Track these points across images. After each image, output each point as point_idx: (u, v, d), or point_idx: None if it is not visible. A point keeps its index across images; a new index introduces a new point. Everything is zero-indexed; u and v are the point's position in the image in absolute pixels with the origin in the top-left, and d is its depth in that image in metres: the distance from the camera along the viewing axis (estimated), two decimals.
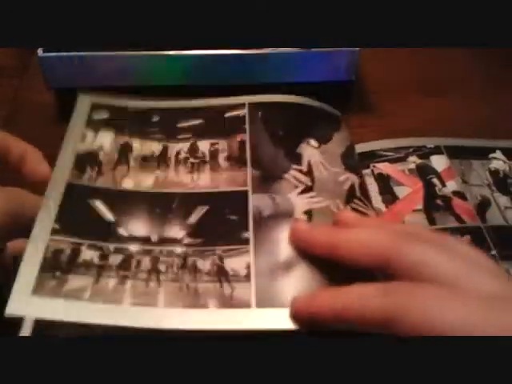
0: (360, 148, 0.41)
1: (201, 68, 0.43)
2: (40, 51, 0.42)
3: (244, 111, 0.37)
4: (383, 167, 0.40)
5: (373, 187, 0.39)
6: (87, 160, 0.34)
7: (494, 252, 0.34)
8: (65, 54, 0.42)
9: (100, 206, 0.32)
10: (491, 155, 0.41)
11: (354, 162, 0.37)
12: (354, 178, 0.35)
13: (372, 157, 0.41)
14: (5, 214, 0.28)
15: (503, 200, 0.37)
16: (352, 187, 0.34)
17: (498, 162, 0.40)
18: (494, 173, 0.39)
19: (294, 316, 0.26)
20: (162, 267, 0.29)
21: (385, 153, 0.41)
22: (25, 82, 0.50)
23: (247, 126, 0.36)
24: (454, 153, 0.40)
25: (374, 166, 0.40)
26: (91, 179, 0.33)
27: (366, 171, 0.40)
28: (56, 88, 0.46)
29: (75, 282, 0.27)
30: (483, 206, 0.37)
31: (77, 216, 0.31)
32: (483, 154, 0.41)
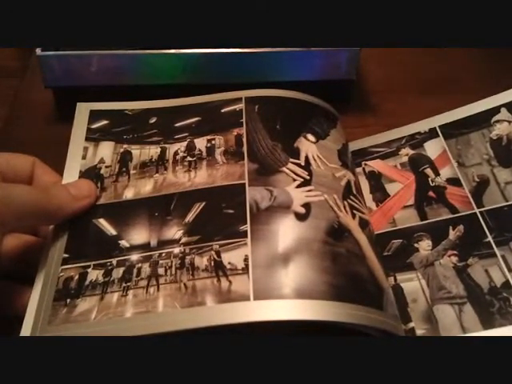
0: (352, 146, 0.41)
1: (201, 67, 0.43)
2: (38, 50, 0.42)
3: (241, 106, 0.37)
4: (374, 165, 0.39)
5: (364, 186, 0.38)
6: (90, 178, 0.34)
7: (488, 239, 0.32)
8: (64, 52, 0.43)
9: (103, 223, 0.32)
10: (494, 118, 0.37)
11: (349, 160, 0.37)
12: (350, 175, 0.36)
13: (363, 154, 0.40)
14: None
15: (504, 174, 0.35)
16: (348, 184, 0.35)
17: (502, 126, 0.37)
18: (496, 141, 0.36)
19: None
20: (160, 271, 0.30)
21: (376, 149, 0.40)
22: (24, 81, 0.50)
23: (244, 120, 0.36)
24: (450, 131, 0.38)
25: (365, 164, 0.40)
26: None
27: (358, 170, 0.40)
28: (54, 86, 0.46)
29: (83, 305, 0.29)
30: (480, 189, 0.35)
31: (83, 240, 0.31)
32: (485, 120, 0.38)
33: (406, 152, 0.39)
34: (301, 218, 0.31)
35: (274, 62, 0.43)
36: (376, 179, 0.39)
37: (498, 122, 0.37)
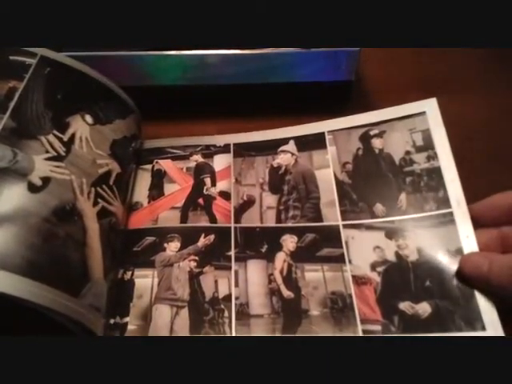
0: (152, 144, 0.41)
1: (201, 68, 0.42)
2: None
3: (32, 61, 0.35)
4: (164, 164, 0.40)
5: (145, 182, 0.39)
6: None
7: (230, 253, 0.34)
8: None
9: None
10: (281, 148, 0.39)
11: (123, 154, 0.37)
12: (114, 167, 0.35)
13: (158, 153, 0.40)
14: None
15: (269, 199, 0.37)
16: (107, 173, 0.34)
17: (285, 156, 0.39)
18: (274, 169, 0.38)
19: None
20: None
21: (172, 150, 0.41)
22: None
23: (27, 76, 0.34)
24: (241, 150, 0.40)
25: (156, 162, 0.40)
26: None
27: (147, 166, 0.40)
28: None
29: None
30: (244, 207, 0.37)
31: None
32: (273, 147, 0.40)
33: (196, 158, 0.40)
34: (33, 189, 0.29)
35: (273, 63, 0.42)
36: (159, 178, 0.39)
37: (283, 151, 0.40)
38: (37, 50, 0.36)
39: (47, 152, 0.31)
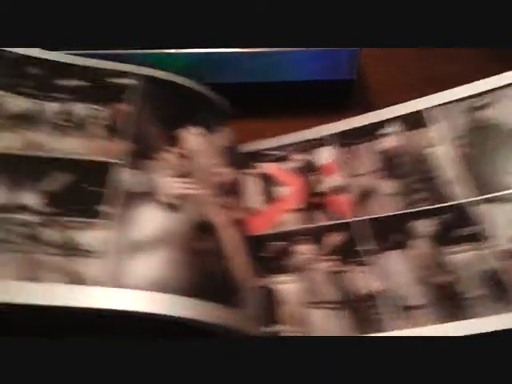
0: (246, 147, 0.41)
1: (200, 67, 0.42)
2: None
3: (134, 81, 0.36)
4: (266, 167, 0.39)
5: (254, 187, 0.38)
6: None
7: (363, 247, 0.33)
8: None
9: None
10: (381, 131, 0.38)
11: (235, 159, 0.36)
12: (229, 173, 0.35)
13: (257, 156, 0.40)
14: None
15: (386, 186, 0.36)
16: (226, 182, 0.34)
17: (388, 139, 0.37)
18: (383, 153, 0.37)
19: None
20: (12, 237, 0.27)
21: (270, 152, 0.40)
22: None
23: (136, 98, 0.35)
24: (342, 140, 0.39)
25: (257, 166, 0.39)
26: None
27: (250, 171, 0.39)
28: None
29: None
30: (362, 199, 0.35)
31: None
32: (374, 131, 0.38)
33: (297, 157, 0.39)
34: (171, 209, 0.30)
35: (273, 62, 0.42)
36: (267, 181, 0.38)
37: (384, 135, 0.38)
38: (130, 67, 0.36)
39: (171, 169, 0.31)
